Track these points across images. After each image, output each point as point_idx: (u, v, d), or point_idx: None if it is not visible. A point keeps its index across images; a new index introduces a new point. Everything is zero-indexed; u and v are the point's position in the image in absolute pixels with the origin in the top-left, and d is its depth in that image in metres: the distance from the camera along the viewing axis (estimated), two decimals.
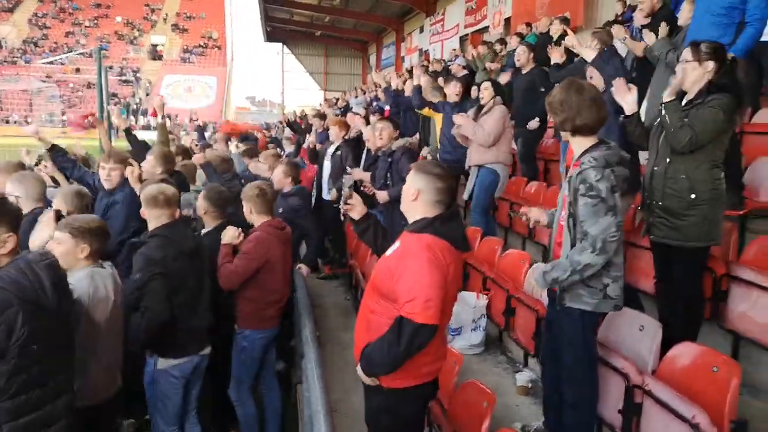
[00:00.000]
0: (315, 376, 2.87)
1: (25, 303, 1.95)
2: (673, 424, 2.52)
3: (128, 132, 6.55)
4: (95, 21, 52.00)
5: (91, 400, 2.72)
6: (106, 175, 4.23)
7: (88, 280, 2.68)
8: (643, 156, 3.88)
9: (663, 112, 3.24)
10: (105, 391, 2.82)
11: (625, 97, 3.35)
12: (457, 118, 5.42)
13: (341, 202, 2.79)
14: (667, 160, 3.22)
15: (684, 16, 4.72)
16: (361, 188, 5.48)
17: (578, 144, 2.75)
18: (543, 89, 6.21)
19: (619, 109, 3.48)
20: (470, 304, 4.49)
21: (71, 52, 33.16)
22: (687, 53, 3.26)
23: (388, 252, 2.46)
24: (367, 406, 2.57)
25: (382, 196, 5.11)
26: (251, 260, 3.60)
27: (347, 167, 5.89)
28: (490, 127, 5.26)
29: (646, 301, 3.78)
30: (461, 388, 2.99)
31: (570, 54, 6.37)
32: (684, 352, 2.79)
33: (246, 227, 3.81)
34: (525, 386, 3.78)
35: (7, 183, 3.63)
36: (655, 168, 3.30)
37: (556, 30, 7.83)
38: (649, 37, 4.81)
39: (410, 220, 2.46)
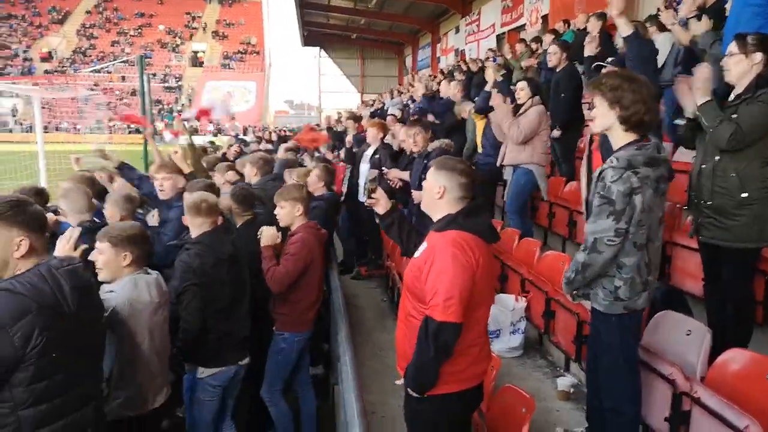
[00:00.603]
0: (350, 378, 2.85)
1: (43, 309, 1.90)
2: None
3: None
4: (139, 30, 53.74)
5: (140, 410, 2.72)
6: (159, 185, 4.31)
7: (131, 285, 2.69)
8: (690, 154, 3.75)
9: (698, 113, 3.11)
10: (153, 399, 2.79)
11: (687, 97, 3.20)
12: (494, 98, 5.36)
13: (365, 196, 2.74)
14: (716, 157, 3.08)
15: None
16: (388, 182, 5.48)
17: (620, 140, 2.65)
18: (563, 94, 6.05)
19: None
20: (509, 306, 4.42)
21: (116, 60, 34.27)
22: (732, 46, 3.13)
23: (417, 253, 2.42)
24: (407, 412, 2.51)
25: (417, 195, 5.08)
26: (298, 260, 3.58)
27: (383, 169, 5.88)
28: (524, 125, 5.18)
29: (695, 305, 3.63)
30: (499, 392, 2.92)
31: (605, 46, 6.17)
32: (735, 358, 2.66)
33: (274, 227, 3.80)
34: (566, 391, 3.69)
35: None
36: (703, 166, 3.16)
37: (593, 26, 7.63)
38: (696, 26, 4.65)
39: (434, 219, 2.43)
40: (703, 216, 3.17)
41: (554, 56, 6.29)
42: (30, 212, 2.02)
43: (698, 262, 3.54)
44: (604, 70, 4.08)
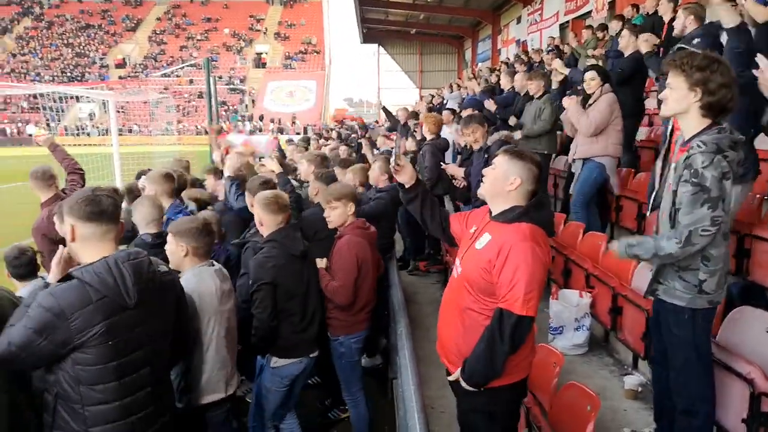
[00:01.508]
0: (409, 372, 2.85)
1: (104, 299, 2.03)
2: None
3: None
4: (206, 34, 55.74)
5: (204, 397, 2.85)
6: (212, 189, 4.44)
7: (195, 278, 2.83)
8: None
9: None
10: (226, 386, 2.92)
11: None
12: (566, 101, 5.20)
13: (392, 162, 2.59)
14: None
15: None
16: (453, 180, 5.41)
17: (694, 126, 2.48)
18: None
19: None
20: (572, 302, 4.29)
21: (185, 64, 35.72)
22: None
23: (479, 245, 2.35)
24: (459, 406, 2.51)
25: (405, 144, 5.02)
26: (348, 273, 3.54)
27: (426, 166, 5.84)
28: (594, 116, 5.00)
29: None
30: (563, 389, 2.83)
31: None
32: None
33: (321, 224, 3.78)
34: (634, 390, 3.55)
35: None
36: None
37: (664, 10, 7.24)
38: None
39: (497, 208, 2.35)
40: None
41: (623, 39, 6.11)
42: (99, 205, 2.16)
43: None
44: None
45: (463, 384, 2.33)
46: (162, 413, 2.30)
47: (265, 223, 3.33)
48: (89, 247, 2.16)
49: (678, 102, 2.47)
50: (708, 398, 2.62)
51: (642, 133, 7.12)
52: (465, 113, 6.74)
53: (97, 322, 2.02)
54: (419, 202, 2.66)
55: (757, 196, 4.10)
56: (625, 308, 3.81)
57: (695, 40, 4.61)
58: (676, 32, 5.01)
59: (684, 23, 5.00)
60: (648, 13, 9.16)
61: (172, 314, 2.38)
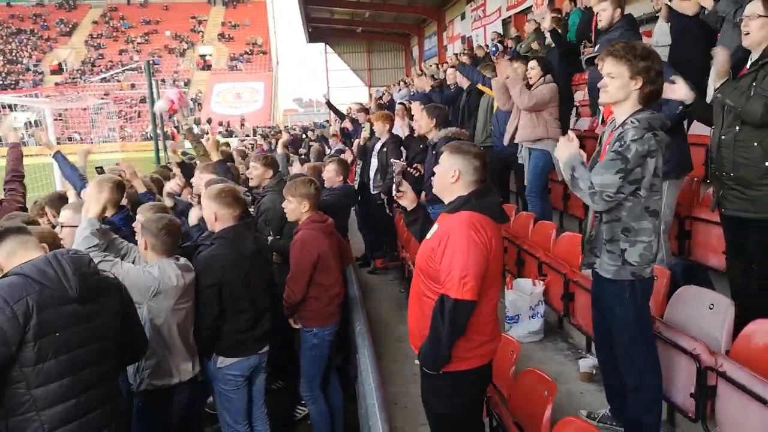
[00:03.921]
0: (369, 369, 2.85)
1: (45, 289, 2.04)
2: (752, 406, 2.36)
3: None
4: (146, 37, 54.01)
5: (166, 380, 2.93)
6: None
7: (155, 270, 2.87)
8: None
9: (720, 97, 3.02)
10: (178, 371, 2.97)
11: (676, 93, 3.10)
12: (501, 63, 5.36)
13: (394, 190, 2.79)
14: (737, 128, 2.99)
15: None
16: (410, 170, 5.41)
17: (629, 111, 2.60)
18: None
19: None
20: (526, 291, 4.38)
21: (124, 69, 34.55)
22: (757, 6, 2.96)
23: (429, 235, 2.47)
24: (423, 390, 2.56)
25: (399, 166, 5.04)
26: (300, 263, 3.56)
27: (391, 161, 5.84)
28: (535, 93, 5.12)
29: (717, 280, 3.55)
30: (520, 376, 2.90)
31: None
32: (760, 330, 2.60)
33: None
34: (588, 373, 3.65)
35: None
36: (723, 137, 3.06)
37: (595, 2, 7.50)
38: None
39: (447, 201, 2.47)
40: (726, 188, 3.09)
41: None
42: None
43: (719, 235, 3.47)
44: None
45: (423, 368, 2.41)
46: (116, 411, 2.32)
47: (220, 217, 3.27)
48: (16, 259, 2.16)
49: (619, 90, 2.57)
50: (655, 372, 2.72)
51: (585, 123, 7.34)
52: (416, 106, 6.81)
53: (40, 312, 2.01)
54: (420, 224, 2.81)
55: (695, 179, 4.29)
56: (576, 294, 3.92)
57: (618, 32, 4.83)
58: (604, 24, 5.23)
59: (613, 15, 5.24)
60: (586, 6, 9.46)
61: (119, 315, 2.37)
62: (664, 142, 2.52)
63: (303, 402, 4.09)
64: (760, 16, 2.94)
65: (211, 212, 3.28)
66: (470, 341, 2.34)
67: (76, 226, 3.02)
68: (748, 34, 3.00)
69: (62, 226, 3.32)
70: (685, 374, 2.75)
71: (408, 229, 2.93)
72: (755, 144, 2.92)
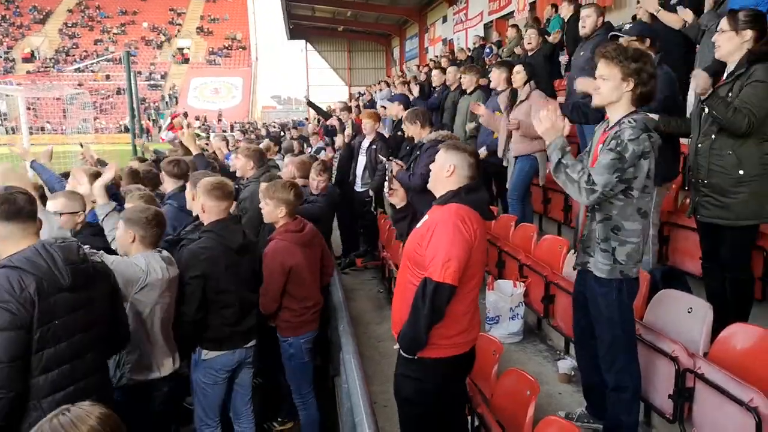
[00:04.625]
0: (354, 367, 2.84)
1: (40, 280, 2.06)
2: (729, 408, 2.42)
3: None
4: (122, 28, 52.98)
5: (147, 374, 2.91)
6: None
7: (142, 263, 2.83)
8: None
9: (707, 110, 3.09)
10: (159, 366, 2.95)
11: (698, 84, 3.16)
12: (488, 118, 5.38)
13: (386, 188, 2.93)
14: (712, 136, 3.09)
15: None
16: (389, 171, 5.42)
17: (622, 112, 2.64)
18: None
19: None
20: (507, 292, 4.42)
21: (101, 58, 33.84)
22: (723, 23, 3.14)
23: (419, 225, 2.56)
24: (397, 375, 2.59)
25: (394, 167, 4.98)
26: (271, 275, 3.47)
27: (379, 158, 5.84)
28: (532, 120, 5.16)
29: (694, 285, 3.64)
30: (503, 376, 2.93)
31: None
32: (737, 333, 2.68)
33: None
34: (567, 374, 3.70)
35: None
36: (699, 145, 3.16)
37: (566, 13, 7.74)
38: (685, 13, 4.62)
39: (438, 195, 2.58)
40: (701, 195, 3.17)
41: (534, 39, 6.88)
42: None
43: (696, 241, 3.55)
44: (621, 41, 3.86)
45: (400, 351, 2.48)
46: (108, 398, 2.33)
47: (207, 209, 3.24)
48: (10, 245, 2.15)
49: (612, 91, 2.61)
50: (634, 373, 2.77)
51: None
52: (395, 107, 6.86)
53: (40, 301, 2.03)
54: (408, 221, 2.95)
55: (674, 186, 4.38)
56: (557, 296, 3.97)
57: (598, 38, 4.95)
58: (587, 31, 5.34)
59: (596, 22, 5.36)
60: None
61: (109, 300, 2.41)
62: (657, 144, 2.57)
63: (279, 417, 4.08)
64: (724, 31, 3.11)
65: (199, 204, 3.27)
66: (447, 328, 2.41)
67: (75, 213, 3.35)
68: (719, 47, 3.16)
69: (60, 215, 3.32)
70: (663, 376, 2.81)
71: (395, 225, 3.03)
72: (730, 152, 3.01)
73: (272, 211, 3.57)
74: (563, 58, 8.34)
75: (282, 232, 3.57)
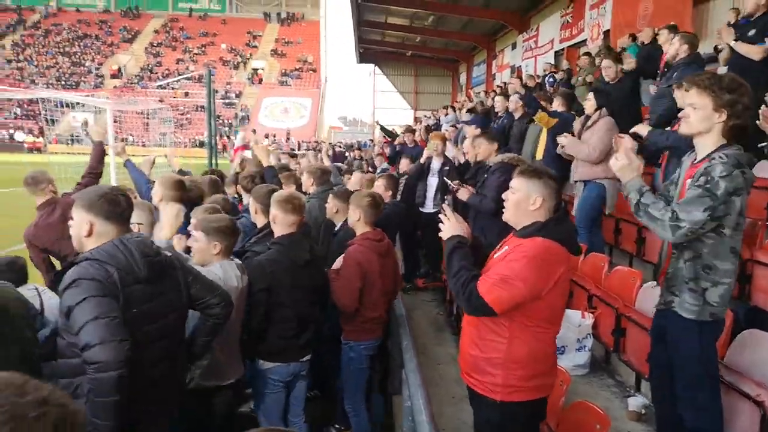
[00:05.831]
0: (417, 384, 2.82)
1: (121, 272, 2.16)
2: None
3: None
4: (203, 48, 55.92)
5: (216, 381, 2.97)
6: None
7: (221, 271, 2.94)
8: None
9: None
10: (228, 374, 3.02)
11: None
12: (561, 139, 5.26)
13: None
14: None
15: None
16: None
17: (712, 144, 2.51)
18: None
19: None
20: (575, 322, 4.28)
21: (182, 76, 35.77)
22: None
23: (496, 255, 2.41)
24: (476, 418, 2.51)
25: (464, 193, 4.99)
26: (350, 280, 3.56)
27: (446, 180, 5.86)
28: (595, 142, 5.05)
29: None
30: (571, 408, 2.83)
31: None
32: None
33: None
34: (637, 412, 3.54)
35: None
36: None
37: (665, 39, 7.44)
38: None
39: (520, 227, 2.39)
40: None
41: (609, 70, 6.56)
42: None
43: None
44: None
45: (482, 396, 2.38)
46: (178, 387, 2.44)
47: (278, 221, 3.35)
48: (99, 241, 2.25)
49: (701, 121, 2.48)
50: (716, 414, 2.62)
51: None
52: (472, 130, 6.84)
53: (123, 289, 2.14)
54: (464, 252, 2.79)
55: (759, 222, 4.16)
56: (629, 329, 3.82)
57: (681, 68, 4.78)
58: (668, 57, 5.18)
59: (678, 50, 5.19)
60: (643, 42, 9.37)
61: (183, 289, 2.47)
62: (750, 180, 2.43)
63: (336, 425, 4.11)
64: None
65: (270, 216, 3.38)
66: (529, 369, 2.30)
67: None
68: None
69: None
70: (747, 421, 2.65)
71: (447, 257, 2.84)
72: None
73: (353, 219, 3.74)
74: (653, 88, 8.13)
75: (362, 238, 3.70)
